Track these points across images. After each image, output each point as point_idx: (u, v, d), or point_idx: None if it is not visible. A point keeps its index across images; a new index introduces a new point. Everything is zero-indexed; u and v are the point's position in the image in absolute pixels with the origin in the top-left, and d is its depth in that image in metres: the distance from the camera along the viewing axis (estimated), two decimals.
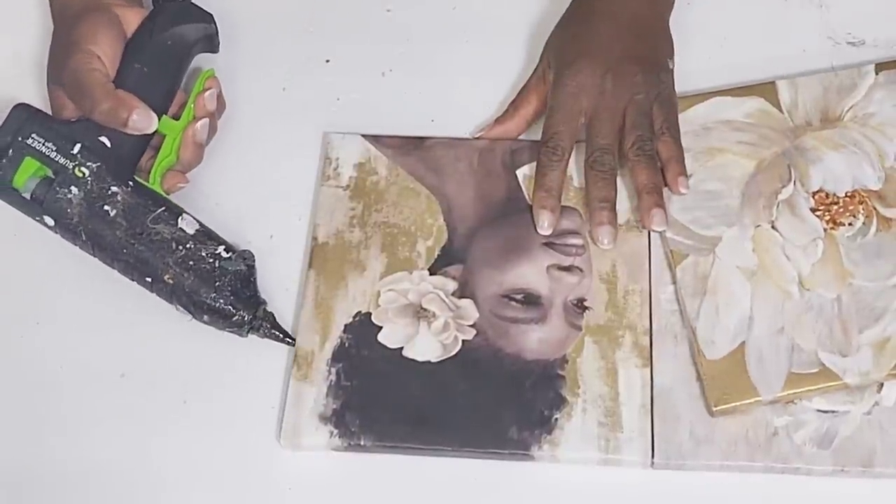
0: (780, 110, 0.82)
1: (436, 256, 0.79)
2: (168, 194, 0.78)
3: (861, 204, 0.78)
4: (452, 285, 0.77)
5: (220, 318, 0.76)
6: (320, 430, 0.73)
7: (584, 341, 0.75)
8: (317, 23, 0.91)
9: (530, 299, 0.76)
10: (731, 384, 0.72)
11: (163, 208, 0.76)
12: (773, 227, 0.77)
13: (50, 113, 0.79)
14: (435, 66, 0.89)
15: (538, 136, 0.81)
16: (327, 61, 0.89)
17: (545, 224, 0.78)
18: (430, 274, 0.78)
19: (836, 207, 0.77)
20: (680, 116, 0.81)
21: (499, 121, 0.83)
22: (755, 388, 0.72)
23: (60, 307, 0.80)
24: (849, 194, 0.78)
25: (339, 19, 0.92)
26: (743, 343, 0.73)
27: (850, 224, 0.77)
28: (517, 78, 0.87)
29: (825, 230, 0.77)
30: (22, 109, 0.77)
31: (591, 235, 0.78)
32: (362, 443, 0.72)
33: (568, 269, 0.77)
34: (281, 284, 0.79)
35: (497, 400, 0.73)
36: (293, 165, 0.84)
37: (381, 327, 0.76)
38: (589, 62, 0.80)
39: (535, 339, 0.75)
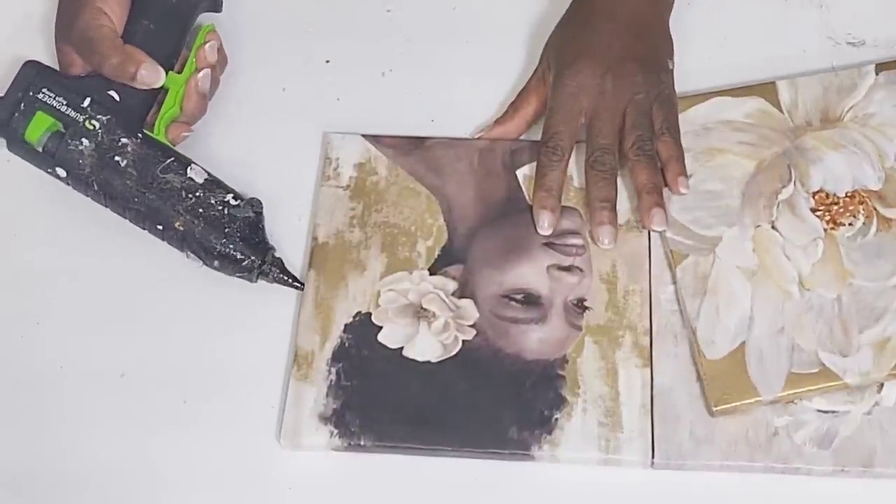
0: (781, 110, 0.82)
1: (436, 256, 0.79)
2: (174, 145, 0.80)
3: (861, 204, 0.78)
4: (452, 285, 0.77)
5: (230, 264, 0.77)
6: (320, 430, 0.73)
7: (584, 341, 0.75)
8: (317, 23, 0.91)
9: (530, 299, 0.76)
10: (732, 384, 0.72)
11: (172, 158, 0.78)
12: (773, 227, 0.77)
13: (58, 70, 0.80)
14: (435, 66, 0.89)
15: (538, 137, 0.81)
16: (327, 61, 0.89)
17: (545, 224, 0.78)
18: (430, 274, 0.78)
19: (836, 207, 0.77)
20: (680, 116, 0.81)
21: (499, 121, 0.83)
22: (755, 388, 0.72)
23: (60, 307, 0.80)
24: (849, 194, 0.78)
25: (339, 19, 0.91)
26: (743, 343, 0.73)
27: (850, 224, 0.77)
28: (517, 78, 0.87)
29: (825, 230, 0.77)
30: (32, 66, 0.79)
31: (591, 235, 0.78)
32: (362, 443, 0.72)
33: (568, 269, 0.77)
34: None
35: (497, 400, 0.73)
36: (293, 165, 0.84)
37: (381, 327, 0.76)
38: (589, 62, 0.80)
39: (535, 339, 0.75)
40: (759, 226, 0.78)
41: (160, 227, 0.78)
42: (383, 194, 0.81)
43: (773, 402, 0.72)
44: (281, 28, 0.91)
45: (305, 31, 0.91)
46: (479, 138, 0.83)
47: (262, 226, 0.78)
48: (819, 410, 0.72)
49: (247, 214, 0.77)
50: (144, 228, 0.78)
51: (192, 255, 0.78)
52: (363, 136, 0.84)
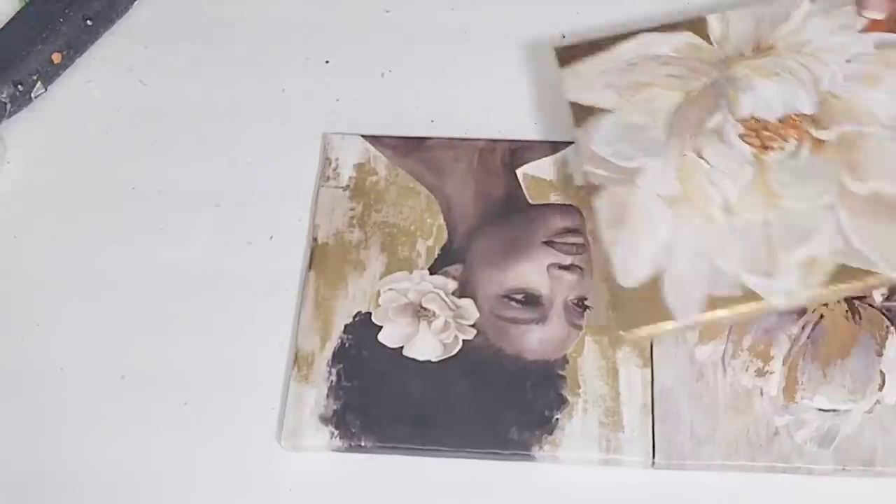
0: (711, 43, 0.81)
1: (436, 256, 0.79)
2: None
3: (794, 128, 0.76)
4: (452, 285, 0.77)
5: None
6: (321, 430, 0.73)
7: (584, 341, 0.75)
8: (317, 23, 0.91)
9: (530, 299, 0.76)
10: (644, 310, 0.70)
11: None
12: (699, 155, 0.76)
13: None
14: (435, 66, 0.89)
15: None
16: (327, 61, 0.89)
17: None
18: (430, 273, 0.78)
19: (766, 132, 0.76)
20: (604, 55, 0.80)
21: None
22: (670, 312, 0.70)
23: (61, 309, 0.80)
24: (781, 119, 0.77)
25: (338, 19, 0.92)
26: (661, 270, 0.72)
27: (781, 148, 0.76)
28: (517, 78, 0.87)
29: (755, 155, 0.75)
30: None
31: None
32: (363, 443, 0.72)
33: (568, 267, 0.77)
34: (281, 284, 0.79)
35: (497, 400, 0.73)
36: (293, 165, 0.84)
37: (381, 327, 0.76)
38: None
39: (535, 339, 0.75)
40: (685, 155, 0.76)
41: None
42: (383, 194, 0.81)
43: (688, 327, 0.70)
44: (281, 28, 0.91)
45: (305, 31, 0.91)
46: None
47: None
48: (820, 409, 0.72)
49: None
50: None
51: None
52: (363, 136, 0.84)
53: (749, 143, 0.76)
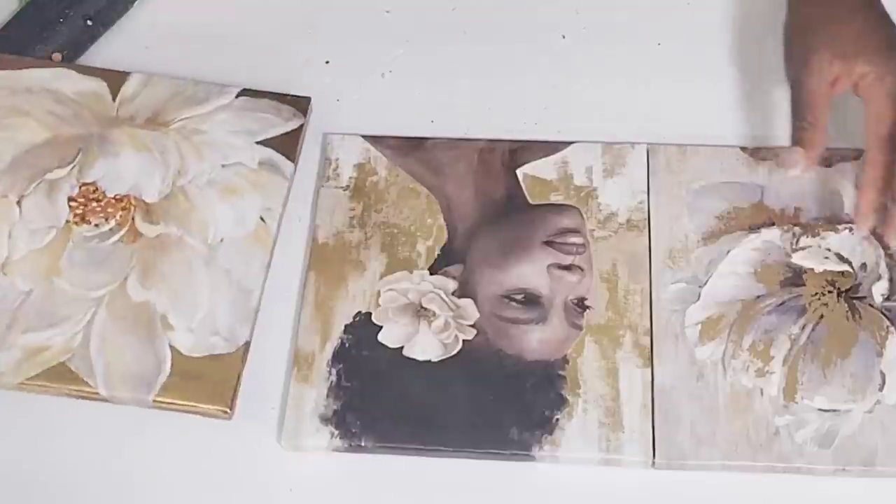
0: (114, 99, 0.81)
1: (436, 256, 0.79)
2: None
3: (124, 210, 0.75)
4: (452, 285, 0.77)
5: None
6: (321, 430, 0.73)
7: (584, 341, 0.75)
8: (317, 23, 0.91)
9: (531, 299, 0.76)
10: None
11: None
12: (19, 202, 0.75)
13: None
14: (435, 67, 0.89)
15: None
16: (327, 62, 0.89)
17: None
18: (431, 273, 0.78)
19: (95, 204, 0.75)
20: (13, 73, 0.80)
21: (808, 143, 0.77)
22: None
23: None
24: (118, 197, 0.76)
25: (339, 20, 0.92)
26: None
27: (97, 225, 0.74)
28: (517, 78, 0.87)
29: (69, 222, 0.74)
30: None
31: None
32: (363, 443, 0.72)
33: (568, 268, 0.77)
34: (281, 285, 0.79)
35: (497, 400, 0.73)
36: None
37: (381, 327, 0.76)
38: None
39: (535, 340, 0.75)
40: (5, 196, 0.75)
41: None
42: (383, 194, 0.81)
43: None
44: (281, 28, 0.91)
45: (305, 31, 0.91)
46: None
47: None
48: (820, 409, 0.72)
49: None
50: None
51: None
52: (363, 136, 0.84)
53: (73, 209, 0.74)
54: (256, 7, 0.92)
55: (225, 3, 0.89)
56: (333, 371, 0.75)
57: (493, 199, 0.81)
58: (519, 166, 0.82)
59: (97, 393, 0.70)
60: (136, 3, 0.92)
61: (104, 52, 0.90)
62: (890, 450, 0.70)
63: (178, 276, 0.74)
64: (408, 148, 0.83)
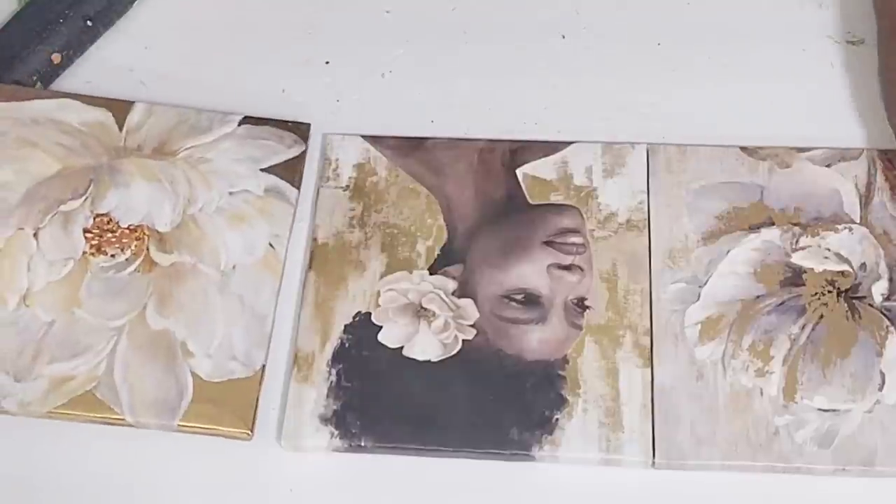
0: (121, 129, 0.81)
1: (436, 256, 0.79)
2: None
3: (138, 240, 0.76)
4: (452, 285, 0.77)
5: None
6: (321, 431, 0.73)
7: (584, 341, 0.75)
8: (316, 24, 0.91)
9: (530, 299, 0.76)
10: None
11: None
12: (35, 234, 0.76)
13: None
14: (435, 67, 0.89)
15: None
16: (327, 62, 0.89)
17: None
18: (430, 274, 0.78)
19: (110, 235, 0.75)
20: (15, 106, 0.81)
21: None
22: None
23: None
24: (132, 227, 0.77)
25: (338, 20, 0.92)
26: None
27: (112, 256, 0.75)
28: (517, 78, 0.87)
29: (85, 253, 0.75)
30: None
31: None
32: (363, 444, 0.72)
33: (568, 268, 0.77)
34: (281, 285, 0.79)
35: (497, 400, 0.73)
36: None
37: (381, 327, 0.76)
38: None
39: (535, 340, 0.75)
40: (21, 228, 0.76)
41: None
42: (383, 195, 0.81)
43: None
44: (281, 28, 0.91)
45: (305, 32, 0.91)
46: None
47: None
48: (820, 409, 0.72)
49: None
50: None
51: None
52: (363, 136, 0.84)
53: (88, 240, 0.75)
54: (256, 7, 0.92)
55: (225, 3, 0.89)
56: (333, 371, 0.75)
57: (493, 199, 0.81)
58: (519, 166, 0.82)
59: (123, 419, 0.72)
60: (136, 3, 0.92)
61: (104, 52, 0.90)
62: (889, 450, 0.70)
63: (195, 303, 0.75)
64: (408, 148, 0.83)
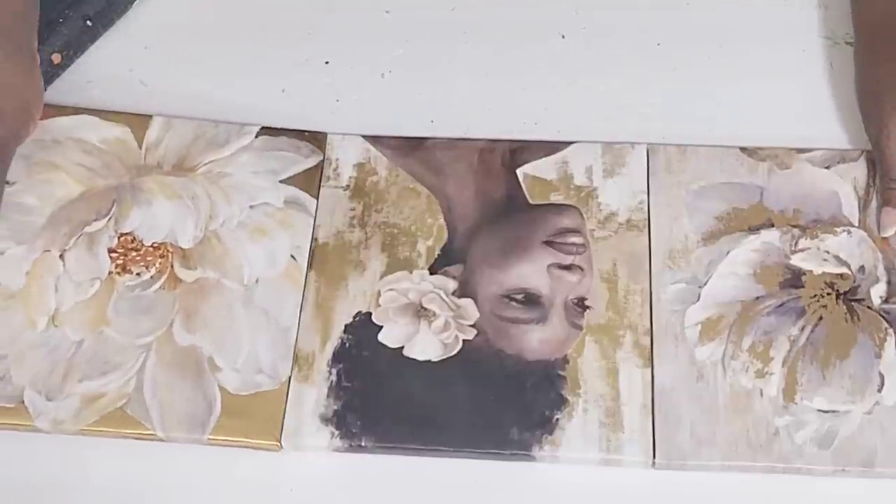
0: (140, 145, 0.81)
1: (436, 256, 0.79)
2: None
3: (162, 258, 0.76)
4: (453, 285, 0.77)
5: None
6: (321, 431, 0.73)
7: (584, 341, 0.75)
8: (316, 24, 0.91)
9: (531, 299, 0.76)
10: None
11: None
12: (62, 255, 0.76)
13: None
14: (435, 67, 0.89)
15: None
16: (327, 62, 0.89)
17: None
18: (431, 273, 0.78)
19: (134, 254, 0.76)
20: (47, 124, 0.81)
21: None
22: None
23: None
24: (155, 245, 0.77)
25: (338, 21, 0.92)
26: None
27: (138, 274, 0.76)
28: (517, 78, 0.87)
29: (111, 273, 0.76)
30: None
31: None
32: (363, 443, 0.72)
33: (568, 268, 0.77)
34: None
35: (498, 400, 0.73)
36: None
37: (381, 327, 0.76)
38: None
39: (535, 340, 0.75)
40: (48, 251, 0.76)
41: None
42: (383, 194, 0.81)
43: None
44: (281, 28, 0.91)
45: (305, 31, 0.91)
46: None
47: None
48: (819, 410, 0.72)
49: None
50: None
51: None
52: (363, 136, 0.84)
53: (113, 260, 0.76)
54: (256, 7, 0.92)
55: (225, 3, 0.89)
56: (334, 371, 0.75)
57: (493, 199, 0.81)
58: (519, 166, 0.82)
59: (154, 435, 0.73)
60: (136, 3, 0.92)
61: (104, 52, 0.90)
62: (889, 450, 0.71)
63: (220, 318, 0.76)
64: (408, 148, 0.83)
